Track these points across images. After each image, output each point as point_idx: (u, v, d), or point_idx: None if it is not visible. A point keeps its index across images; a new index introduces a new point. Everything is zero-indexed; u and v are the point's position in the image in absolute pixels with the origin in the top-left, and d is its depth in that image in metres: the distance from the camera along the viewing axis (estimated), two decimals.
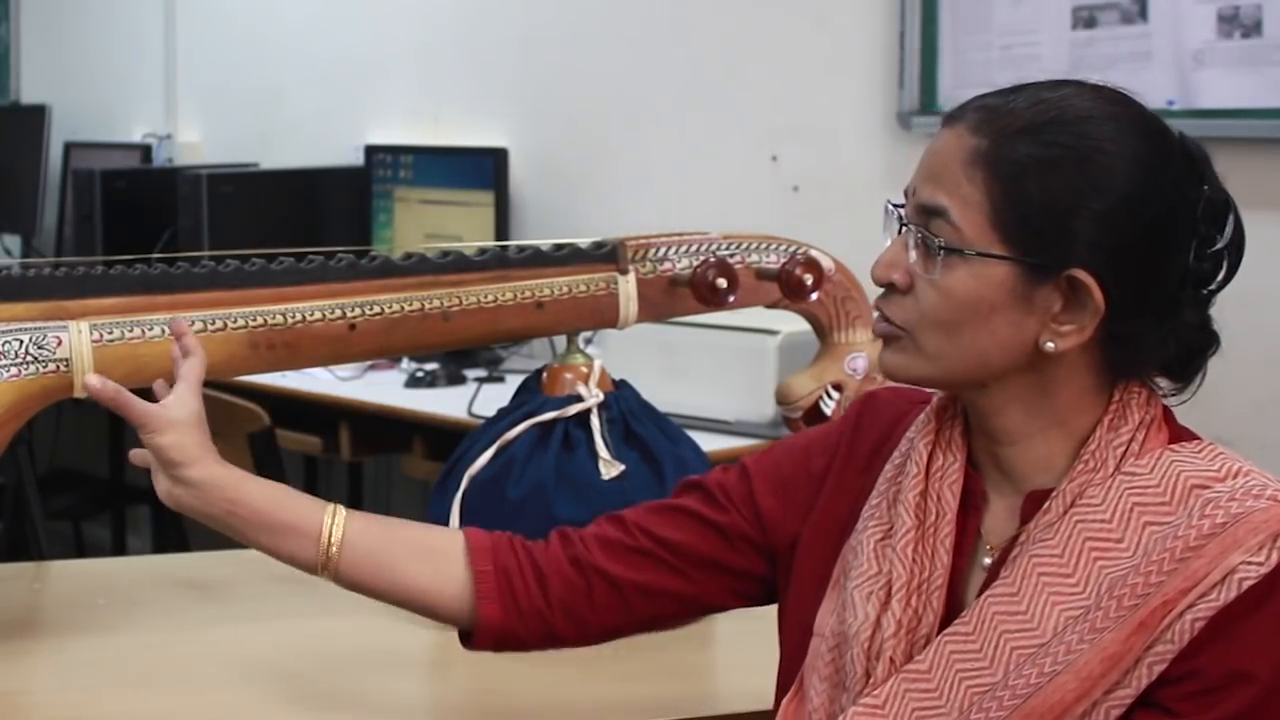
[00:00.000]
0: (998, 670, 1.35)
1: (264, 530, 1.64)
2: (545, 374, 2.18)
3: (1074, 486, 1.38)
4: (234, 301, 1.98)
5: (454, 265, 2.07)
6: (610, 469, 2.08)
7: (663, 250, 2.14)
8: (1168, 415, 1.42)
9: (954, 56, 3.42)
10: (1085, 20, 3.19)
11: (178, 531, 4.05)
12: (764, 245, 2.18)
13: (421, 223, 4.40)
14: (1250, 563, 1.30)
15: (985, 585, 1.40)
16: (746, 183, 3.84)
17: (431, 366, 3.93)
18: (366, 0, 4.83)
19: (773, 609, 1.60)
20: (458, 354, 3.91)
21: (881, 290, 1.42)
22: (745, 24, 3.83)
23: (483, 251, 2.10)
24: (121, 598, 2.24)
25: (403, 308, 2.03)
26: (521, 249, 2.11)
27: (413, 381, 3.89)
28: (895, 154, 3.50)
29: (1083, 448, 1.39)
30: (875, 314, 1.44)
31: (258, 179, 4.75)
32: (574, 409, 2.12)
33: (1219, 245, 1.42)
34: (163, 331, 1.95)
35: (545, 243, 2.12)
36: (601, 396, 2.13)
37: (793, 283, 2.16)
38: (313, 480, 4.79)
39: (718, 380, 3.28)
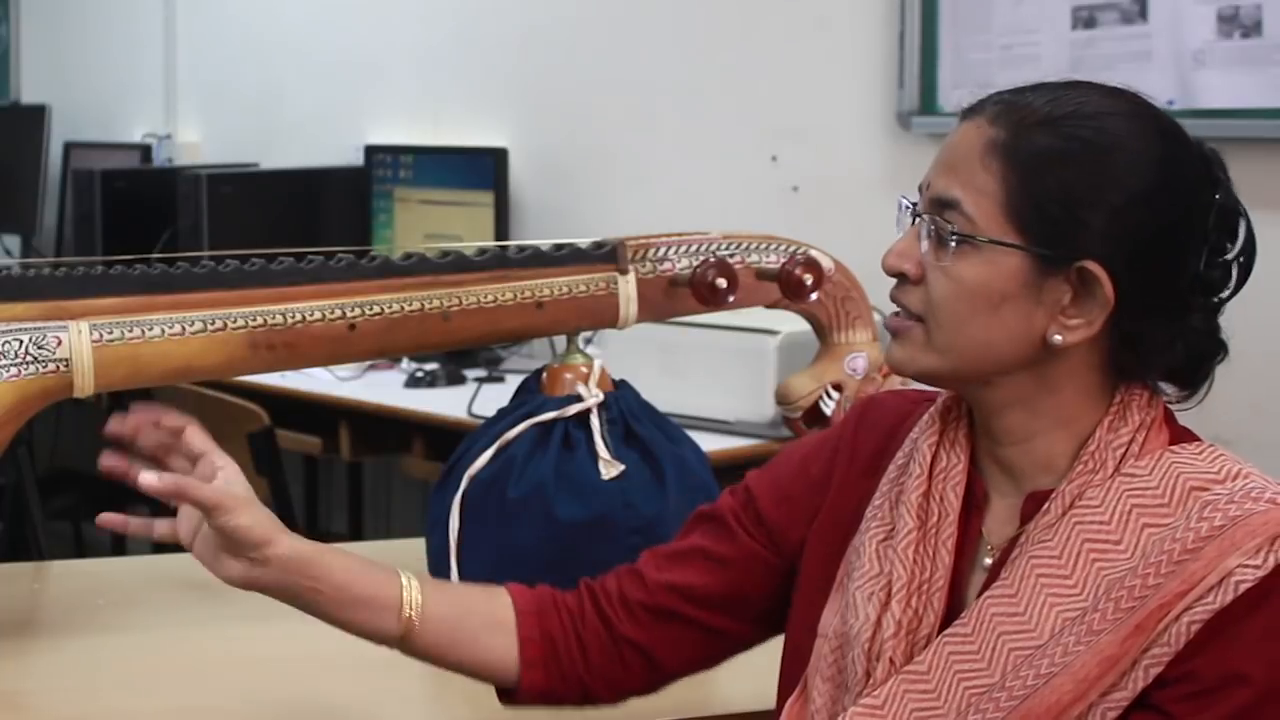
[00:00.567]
0: (995, 671, 1.36)
1: (343, 606, 1.60)
2: (545, 374, 2.18)
3: (1073, 488, 1.38)
4: (234, 301, 1.98)
5: (454, 265, 2.07)
6: (610, 469, 2.08)
7: (663, 250, 2.14)
8: (1169, 416, 1.42)
9: (954, 56, 3.42)
10: (1085, 20, 3.19)
11: None
12: (764, 245, 2.18)
13: (421, 223, 4.40)
14: (1247, 566, 1.30)
15: (985, 586, 1.41)
16: (746, 183, 3.84)
17: (431, 366, 3.93)
18: (366, 0, 4.83)
19: None
20: (458, 354, 3.91)
21: (894, 284, 1.43)
22: (745, 24, 3.83)
23: (483, 251, 2.10)
24: (121, 598, 2.23)
25: (403, 308, 2.03)
26: (521, 249, 2.11)
27: (413, 381, 3.89)
28: (895, 154, 3.50)
29: (1082, 448, 1.39)
30: (890, 312, 1.44)
31: (258, 179, 4.75)
32: (574, 409, 2.12)
33: (1230, 254, 1.41)
34: (163, 331, 1.95)
35: (545, 243, 2.12)
36: (601, 396, 2.13)
37: (793, 283, 2.16)
38: (313, 480, 4.79)
39: (718, 380, 3.28)
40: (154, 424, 1.60)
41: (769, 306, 2.22)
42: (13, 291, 1.93)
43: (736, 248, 2.17)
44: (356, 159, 4.62)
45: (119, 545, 5.17)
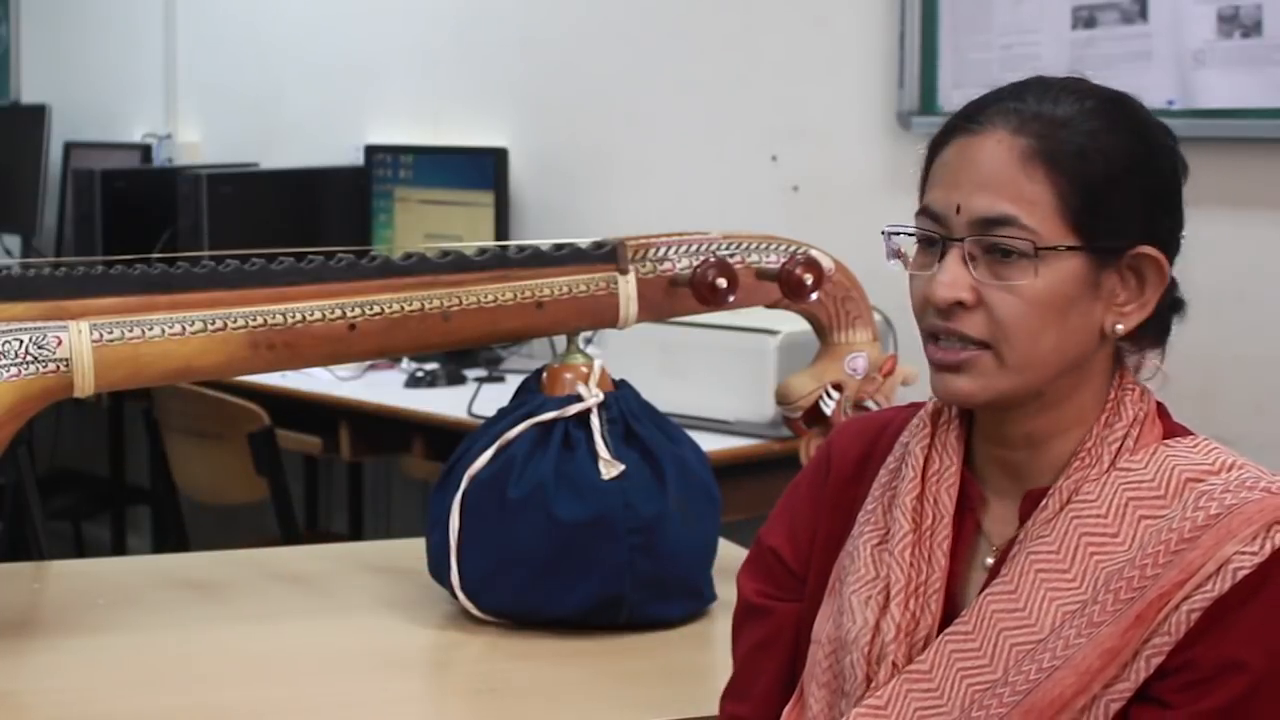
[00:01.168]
0: (998, 668, 1.36)
1: None
2: (545, 374, 2.18)
3: (1070, 484, 1.39)
4: (234, 301, 1.98)
5: (454, 265, 2.08)
6: (610, 469, 2.08)
7: (663, 250, 2.14)
8: (1161, 411, 1.43)
9: (954, 56, 3.42)
10: (1085, 20, 3.19)
11: (178, 531, 4.05)
12: (764, 245, 2.18)
13: (421, 223, 4.40)
14: (1244, 553, 1.31)
15: (985, 585, 1.41)
16: (746, 183, 3.84)
17: (431, 366, 3.92)
18: (366, 0, 4.83)
19: None
20: (458, 354, 3.91)
21: (937, 317, 1.38)
22: (745, 24, 3.83)
23: (483, 251, 2.10)
24: (121, 598, 2.23)
25: (403, 308, 2.03)
26: (521, 249, 2.11)
27: (413, 381, 3.89)
28: (895, 154, 3.50)
29: (1079, 445, 1.40)
30: (932, 344, 1.39)
31: (258, 179, 4.75)
32: (574, 409, 2.12)
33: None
34: (163, 331, 1.95)
35: (545, 243, 2.12)
36: (601, 396, 2.13)
37: (793, 283, 2.16)
38: (313, 480, 4.79)
39: (718, 380, 3.28)
40: None
41: (769, 306, 2.23)
42: (13, 291, 1.93)
43: (736, 248, 2.17)
44: (356, 159, 4.62)
45: (119, 545, 5.17)
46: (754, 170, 3.81)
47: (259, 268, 2.01)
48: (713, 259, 2.14)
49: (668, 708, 1.88)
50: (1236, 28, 2.98)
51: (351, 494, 4.67)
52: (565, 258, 2.11)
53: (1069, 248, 1.35)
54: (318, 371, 3.80)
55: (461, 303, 2.06)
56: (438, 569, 2.14)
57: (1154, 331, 1.43)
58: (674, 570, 2.11)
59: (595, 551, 2.07)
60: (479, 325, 2.07)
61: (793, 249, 2.19)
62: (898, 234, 1.43)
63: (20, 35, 6.14)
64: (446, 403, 3.65)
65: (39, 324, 1.92)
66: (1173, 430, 1.42)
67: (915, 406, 1.51)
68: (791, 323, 2.60)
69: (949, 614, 1.42)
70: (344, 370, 3.87)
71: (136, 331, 1.94)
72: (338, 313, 2.01)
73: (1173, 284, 1.42)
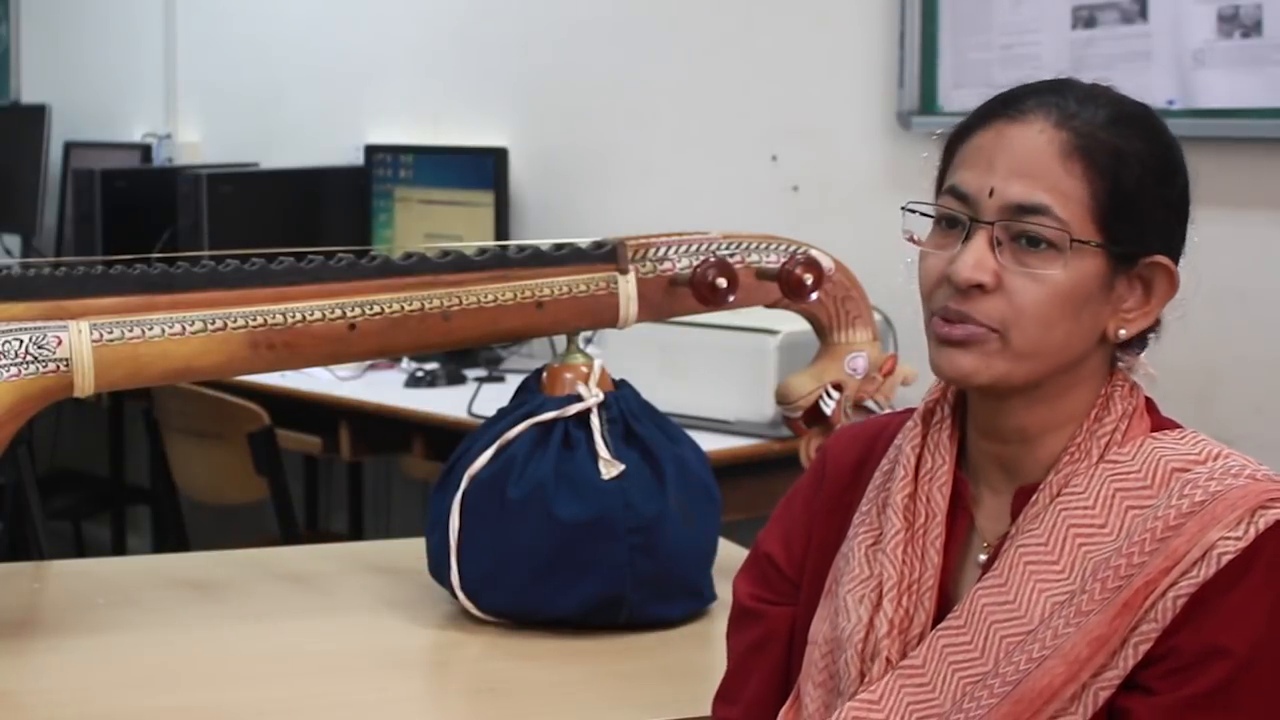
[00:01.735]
0: (988, 660, 1.37)
1: None
2: (545, 374, 2.18)
3: (1059, 478, 1.40)
4: (234, 301, 1.98)
5: (454, 265, 2.08)
6: (610, 469, 2.08)
7: (663, 250, 2.14)
8: (1150, 405, 1.45)
9: (954, 56, 3.42)
10: (1085, 20, 3.19)
11: (178, 531, 4.05)
12: (764, 245, 2.18)
13: (421, 223, 4.40)
14: (1229, 538, 1.31)
15: (977, 581, 1.41)
16: (746, 183, 3.84)
17: (431, 366, 3.92)
18: (366, 0, 4.83)
19: None
20: (458, 354, 3.91)
21: (952, 295, 1.38)
22: (745, 24, 3.83)
23: (483, 251, 2.10)
24: (121, 598, 2.24)
25: (403, 308, 2.03)
26: (521, 249, 2.11)
27: (413, 381, 3.89)
28: (895, 154, 3.50)
29: (1069, 440, 1.41)
30: (940, 320, 1.39)
31: (258, 179, 4.75)
32: (574, 409, 2.12)
33: None
34: (163, 331, 1.95)
35: (545, 242, 2.12)
36: (601, 396, 2.13)
37: (793, 282, 2.16)
38: (313, 480, 4.79)
39: (718, 380, 3.28)
40: None
41: (769, 306, 2.23)
42: (13, 291, 1.93)
43: (736, 248, 2.17)
44: (356, 159, 4.62)
45: (119, 545, 5.17)
46: (754, 170, 3.81)
47: (259, 268, 2.01)
48: (713, 259, 2.14)
49: (668, 708, 1.88)
50: (1236, 28, 2.98)
51: (351, 494, 4.67)
52: (565, 258, 2.11)
53: (1099, 245, 1.36)
54: (318, 371, 3.80)
55: (461, 303, 2.06)
56: (438, 569, 2.14)
57: (1135, 343, 1.44)
58: (674, 570, 2.11)
59: (595, 551, 2.07)
60: (479, 325, 2.07)
61: (793, 249, 2.19)
62: (917, 212, 1.43)
63: (20, 35, 6.14)
64: (446, 403, 3.65)
65: (39, 324, 1.92)
66: (1160, 424, 1.43)
67: (909, 412, 1.52)
68: (791, 323, 2.60)
69: (943, 611, 1.43)
70: (344, 370, 3.87)
71: (136, 331, 1.94)
72: (338, 313, 2.01)
73: None
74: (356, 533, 4.63)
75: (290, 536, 3.57)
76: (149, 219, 4.59)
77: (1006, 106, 1.40)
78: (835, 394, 2.24)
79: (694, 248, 2.15)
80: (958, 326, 1.38)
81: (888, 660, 1.42)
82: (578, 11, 4.22)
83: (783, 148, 3.77)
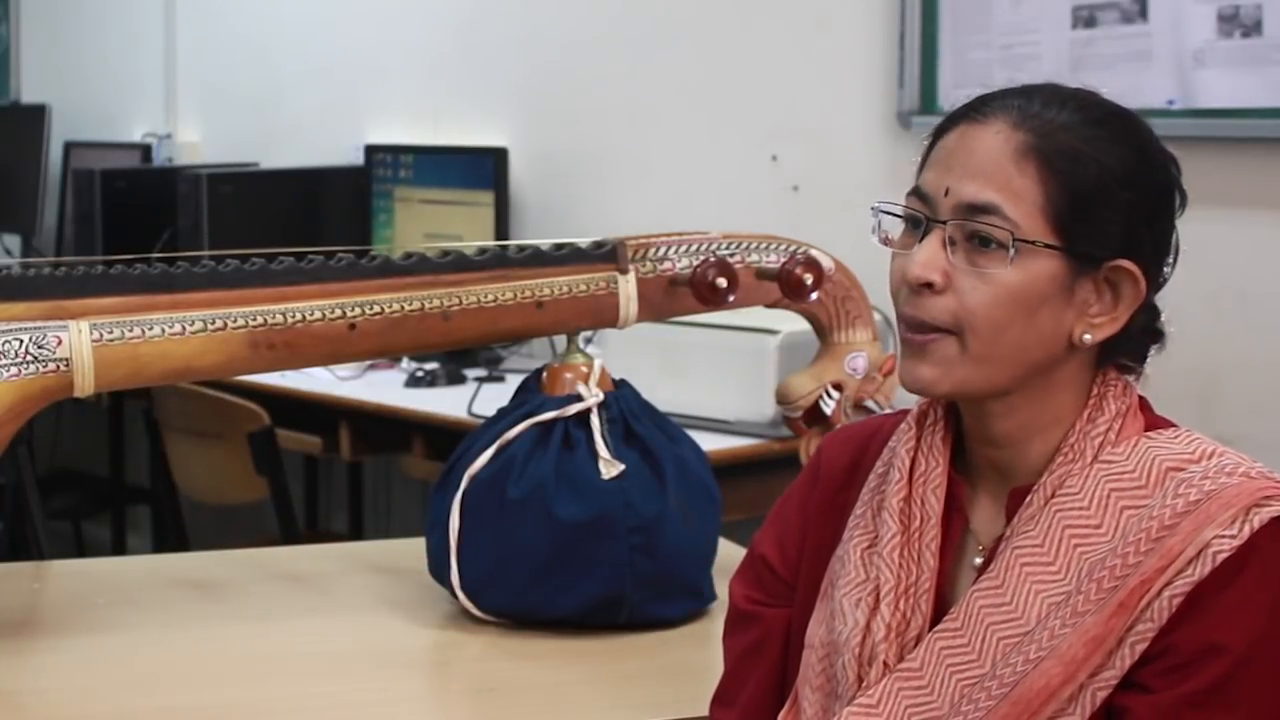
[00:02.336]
0: (985, 662, 1.37)
1: None
2: (545, 374, 2.18)
3: (1054, 479, 1.40)
4: (234, 301, 1.98)
5: (454, 265, 2.08)
6: (610, 469, 2.08)
7: (663, 250, 2.14)
8: (1143, 405, 1.44)
9: (954, 56, 3.42)
10: (1085, 20, 3.19)
11: (178, 531, 4.05)
12: (764, 245, 2.18)
13: (421, 223, 4.40)
14: (1223, 536, 1.31)
15: (973, 584, 1.41)
16: (746, 183, 3.84)
17: (431, 366, 3.92)
18: (366, 0, 4.83)
19: None
20: (458, 354, 3.91)
21: (906, 299, 1.40)
22: (745, 24, 3.83)
23: (483, 251, 2.10)
24: (121, 598, 2.24)
25: (403, 308, 2.03)
26: (521, 249, 2.11)
27: (413, 381, 3.89)
28: (895, 154, 3.50)
29: (1063, 441, 1.41)
30: (904, 326, 1.40)
31: (258, 179, 4.75)
32: (574, 409, 2.12)
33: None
34: (163, 331, 1.95)
35: (545, 242, 2.12)
36: (601, 396, 2.13)
37: (793, 282, 2.16)
38: (313, 480, 4.79)
39: (718, 380, 3.28)
40: None
41: (769, 306, 2.23)
42: (13, 291, 1.93)
43: (736, 247, 2.17)
44: (356, 159, 4.62)
45: (119, 545, 5.17)
46: (754, 170, 3.81)
47: (259, 267, 2.01)
48: (713, 259, 2.14)
49: (668, 708, 1.88)
50: (1236, 28, 2.98)
51: (351, 494, 4.67)
52: (565, 258, 2.11)
53: (1046, 246, 1.36)
54: (318, 371, 3.80)
55: (461, 302, 2.06)
56: (438, 569, 2.15)
57: (1131, 356, 1.43)
58: (674, 570, 2.11)
59: (595, 551, 2.07)
60: (479, 325, 2.07)
61: (793, 249, 2.19)
62: (887, 213, 1.44)
63: (20, 35, 6.14)
64: (446, 403, 3.65)
65: (39, 324, 1.92)
66: (1154, 423, 1.43)
67: (904, 414, 1.52)
68: (791, 323, 2.60)
69: (940, 613, 1.43)
70: (344, 370, 3.87)
71: (136, 331, 1.94)
72: (338, 312, 2.01)
73: (1154, 313, 1.43)
74: (356, 533, 4.63)
75: (290, 536, 3.57)
76: (149, 219, 4.59)
77: (972, 110, 1.41)
78: (835, 394, 2.24)
79: (694, 248, 2.15)
80: (916, 334, 1.39)
81: (885, 664, 1.42)
82: (578, 12, 4.22)
83: (783, 148, 3.77)
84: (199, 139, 5.43)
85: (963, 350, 1.38)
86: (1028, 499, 1.40)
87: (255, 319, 1.99)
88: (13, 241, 5.64)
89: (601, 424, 2.11)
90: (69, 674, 1.99)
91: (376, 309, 2.02)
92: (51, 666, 2.01)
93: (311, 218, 4.58)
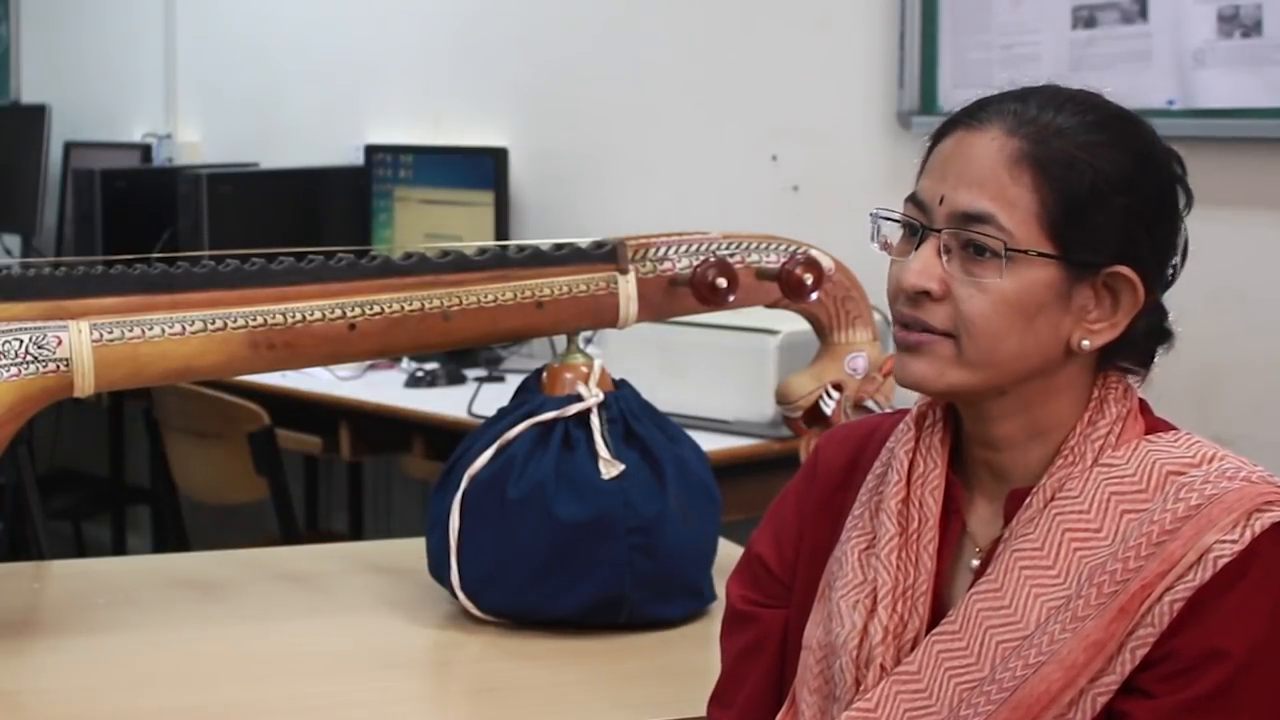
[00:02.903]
0: (984, 665, 1.36)
1: None
2: (545, 374, 2.18)
3: (1053, 482, 1.40)
4: (234, 301, 1.98)
5: (454, 265, 2.08)
6: (610, 469, 2.08)
7: (663, 250, 2.14)
8: (1144, 407, 1.44)
9: (954, 56, 3.42)
10: (1085, 20, 3.19)
11: (178, 531, 4.05)
12: (764, 245, 2.18)
13: (421, 223, 4.40)
14: (1224, 541, 1.31)
15: (972, 585, 1.41)
16: (746, 183, 3.84)
17: (431, 366, 3.92)
18: (366, 0, 4.83)
19: None
20: (458, 354, 3.91)
21: (906, 302, 1.40)
22: (745, 24, 3.83)
23: (483, 251, 2.10)
24: (121, 598, 2.24)
25: (403, 308, 2.03)
26: (521, 249, 2.11)
27: (413, 381, 3.89)
28: (895, 154, 3.50)
29: (1063, 444, 1.40)
30: (899, 324, 1.41)
31: (258, 179, 4.75)
32: (574, 409, 2.12)
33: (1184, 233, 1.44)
34: (163, 331, 1.95)
35: (545, 242, 2.12)
36: (601, 396, 2.13)
37: (793, 282, 2.16)
38: (313, 480, 4.79)
39: (718, 380, 3.28)
40: None
41: (769, 306, 2.23)
42: (13, 291, 1.93)
43: (736, 248, 2.17)
44: (356, 159, 4.62)
45: (119, 545, 5.17)
46: (754, 170, 3.81)
47: (259, 268, 2.01)
48: (713, 259, 2.14)
49: (668, 708, 1.88)
50: (1236, 28, 2.98)
51: (351, 494, 4.67)
52: (565, 258, 2.11)
53: (1041, 254, 1.35)
54: (318, 371, 3.80)
55: (461, 303, 2.06)
56: (438, 569, 2.15)
57: (1135, 360, 1.43)
58: (674, 570, 2.11)
59: (595, 551, 2.07)
60: (479, 325, 2.07)
61: (793, 249, 2.19)
62: (885, 220, 1.44)
63: (20, 35, 6.13)
64: (446, 403, 3.65)
65: (39, 324, 1.92)
66: (1155, 426, 1.42)
67: (902, 413, 1.52)
68: (791, 323, 2.60)
69: (937, 615, 1.43)
70: (344, 370, 3.87)
71: (136, 331, 1.94)
72: (338, 313, 2.01)
73: (1161, 313, 1.42)
74: (356, 533, 4.63)
75: (290, 536, 3.57)
76: (149, 219, 4.59)
77: (969, 115, 1.40)
78: (835, 394, 2.24)
79: (694, 248, 2.15)
80: (913, 333, 1.39)
81: (882, 667, 1.42)
82: (578, 12, 4.22)
83: (783, 148, 3.77)
84: (199, 139, 5.43)
85: (959, 354, 1.38)
86: (1027, 501, 1.40)
87: (255, 319, 1.99)
88: (13, 241, 5.64)
89: (601, 424, 2.11)
90: (69, 674, 1.99)
91: (376, 309, 2.02)
92: (51, 666, 2.01)
93: (311, 218, 4.58)
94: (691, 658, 2.05)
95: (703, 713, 1.63)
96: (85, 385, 1.94)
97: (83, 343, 1.92)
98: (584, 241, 2.13)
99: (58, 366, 1.92)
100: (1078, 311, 1.37)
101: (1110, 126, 1.38)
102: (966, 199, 1.37)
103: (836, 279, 2.22)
